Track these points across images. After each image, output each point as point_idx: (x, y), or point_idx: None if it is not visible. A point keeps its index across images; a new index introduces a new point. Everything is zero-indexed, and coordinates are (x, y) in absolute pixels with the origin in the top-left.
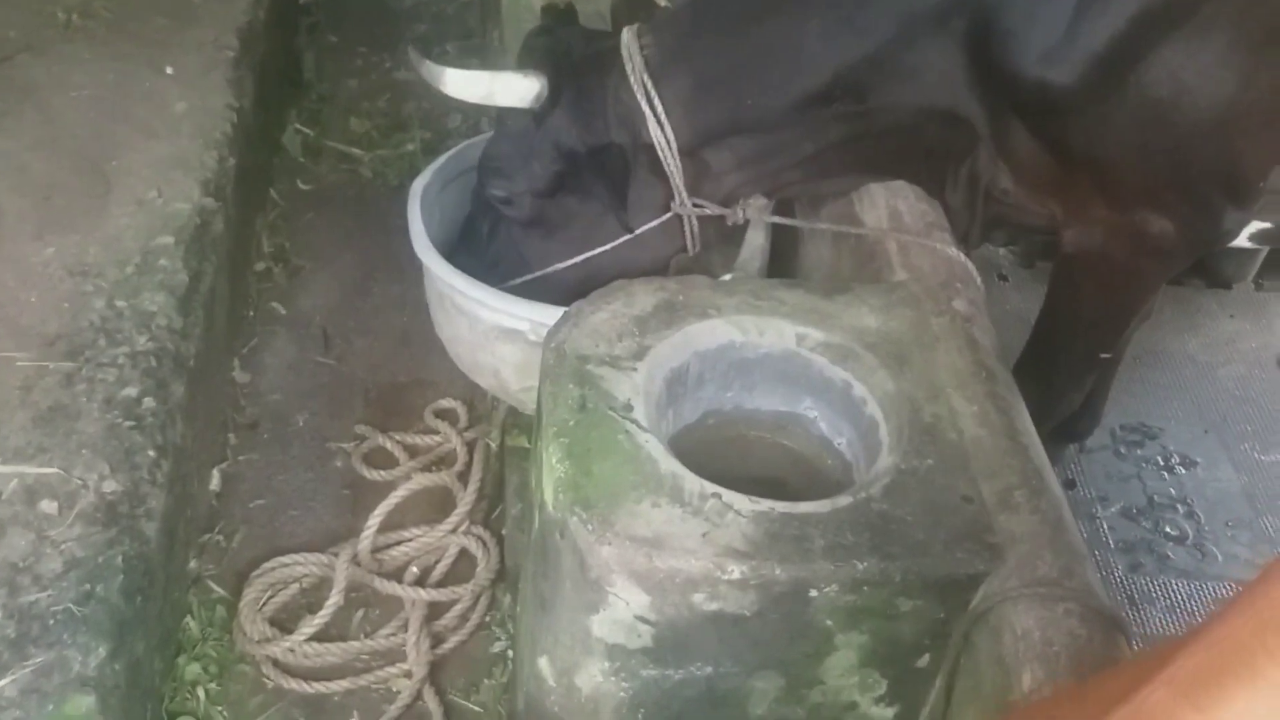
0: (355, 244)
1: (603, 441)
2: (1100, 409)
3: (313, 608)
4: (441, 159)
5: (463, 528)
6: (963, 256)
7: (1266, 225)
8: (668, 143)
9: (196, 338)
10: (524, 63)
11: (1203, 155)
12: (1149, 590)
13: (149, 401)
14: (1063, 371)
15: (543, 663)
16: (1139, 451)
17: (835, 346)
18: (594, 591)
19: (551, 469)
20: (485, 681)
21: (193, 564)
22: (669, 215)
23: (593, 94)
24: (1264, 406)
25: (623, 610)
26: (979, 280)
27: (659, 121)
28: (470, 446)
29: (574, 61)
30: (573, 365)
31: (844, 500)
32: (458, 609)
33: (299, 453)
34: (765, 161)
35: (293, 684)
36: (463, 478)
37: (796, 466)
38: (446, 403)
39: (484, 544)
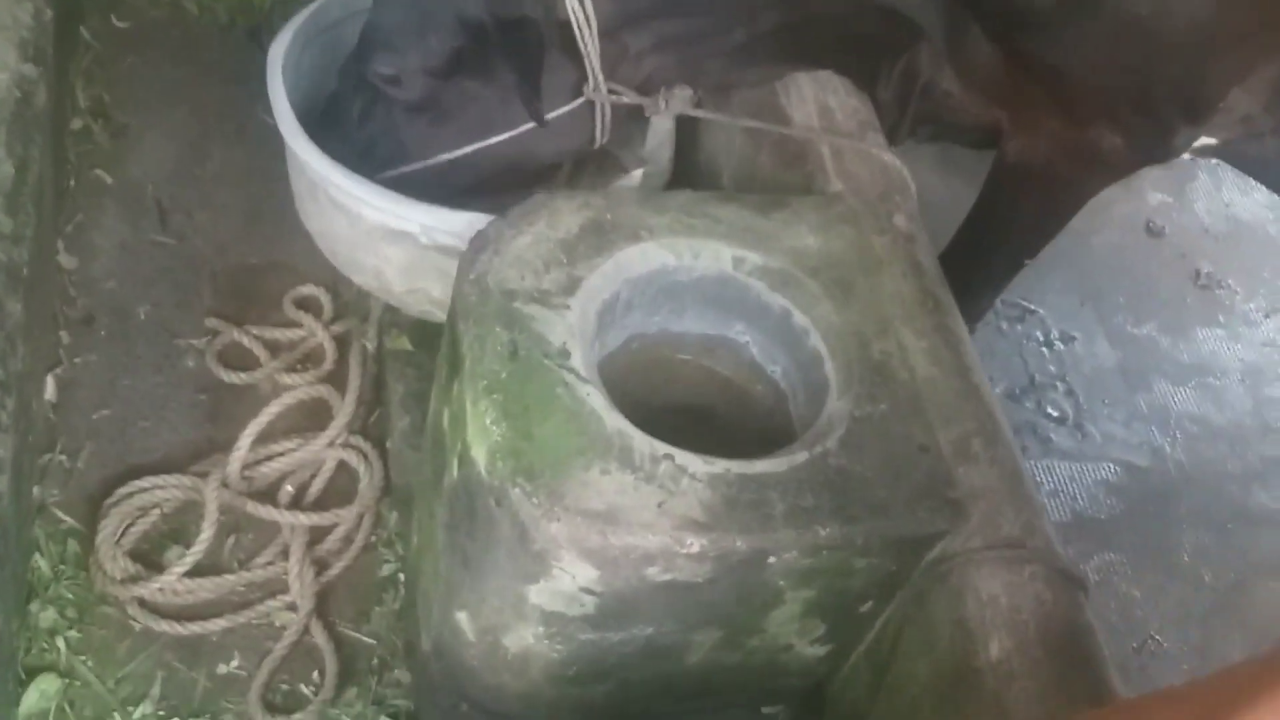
0: (186, 96)
1: (541, 397)
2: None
3: (177, 535)
4: (301, 16)
5: (340, 439)
6: (898, 162)
7: (1211, 141)
8: (586, 19)
9: (29, 240)
10: None
11: (1170, 73)
12: (1033, 475)
13: None
14: (985, 275)
15: (461, 617)
16: (1019, 328)
17: (774, 271)
18: (536, 564)
19: (485, 430)
20: (376, 609)
21: (35, 490)
22: (580, 101)
23: None
24: (1136, 276)
25: (567, 583)
26: (914, 188)
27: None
28: (339, 342)
29: None
30: (498, 303)
31: (800, 456)
32: (340, 530)
33: (144, 352)
34: (690, 46)
35: (164, 625)
36: (333, 379)
37: (724, 392)
38: (308, 289)
39: (365, 457)
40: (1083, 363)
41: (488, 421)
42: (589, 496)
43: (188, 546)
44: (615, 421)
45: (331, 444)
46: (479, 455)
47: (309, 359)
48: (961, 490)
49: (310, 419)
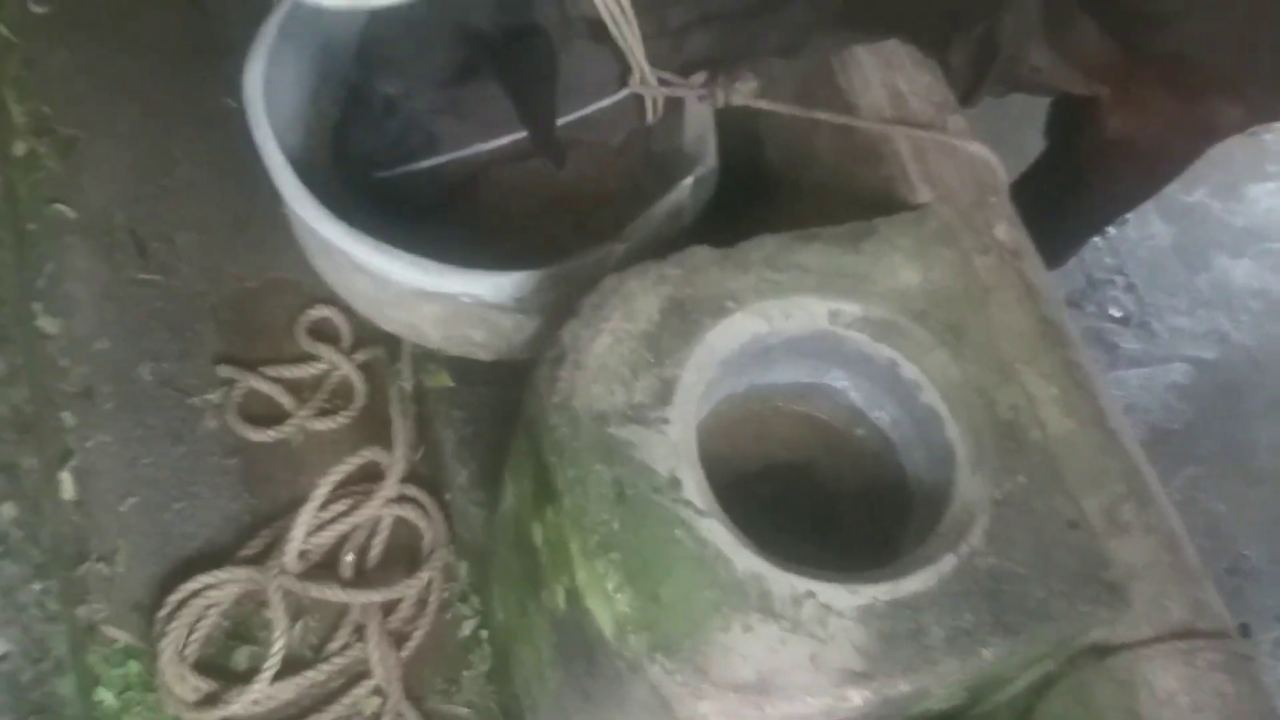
0: (134, 90)
1: (660, 546)
2: None
3: (240, 633)
4: (267, 34)
5: (394, 494)
6: (986, 152)
7: None
8: (621, 9)
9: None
10: None
11: None
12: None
13: None
14: (1076, 240)
15: None
16: None
17: (876, 322)
18: None
19: (608, 598)
20: (464, 674)
21: (79, 611)
22: (623, 94)
23: None
24: None
25: None
26: (1004, 176)
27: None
28: (365, 371)
29: None
30: (591, 433)
31: (947, 563)
32: (412, 593)
33: (157, 420)
34: (739, 20)
35: None
36: (367, 417)
37: (823, 440)
38: (319, 312)
39: (423, 509)
40: (1138, 247)
41: (610, 588)
42: (736, 664)
43: (254, 645)
44: (746, 562)
45: (386, 502)
46: (603, 621)
47: (336, 394)
48: (1119, 570)
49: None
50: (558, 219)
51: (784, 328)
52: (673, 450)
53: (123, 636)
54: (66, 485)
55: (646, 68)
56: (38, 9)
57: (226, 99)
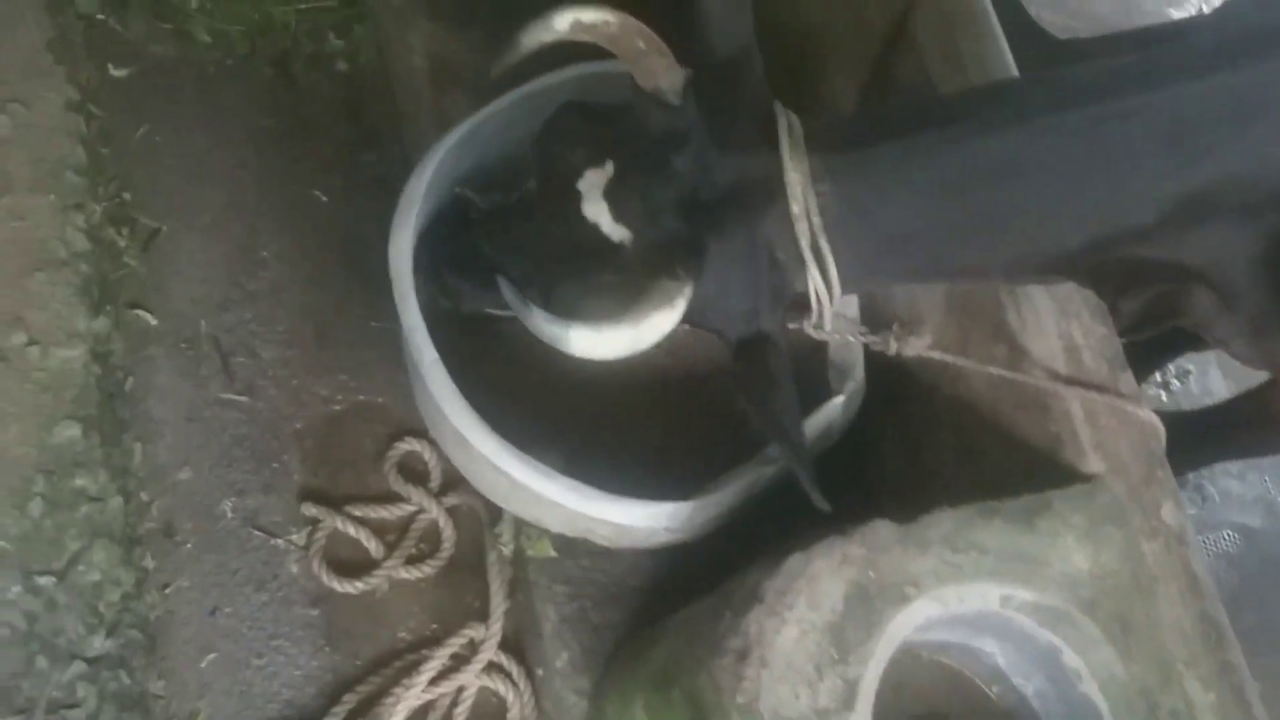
0: (217, 173)
1: None
2: None
3: None
4: (413, 196)
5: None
6: (1154, 419)
7: None
8: (829, 294)
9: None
10: (614, 201)
11: None
12: None
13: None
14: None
15: None
16: None
17: (1046, 609)
18: None
19: None
20: None
21: None
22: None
23: (736, 260)
24: None
25: None
26: (1164, 437)
27: (826, 283)
28: (453, 516)
29: (706, 211)
30: None
31: None
32: None
33: (239, 564)
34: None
35: None
36: (455, 568)
37: (957, 692)
38: (407, 445)
39: (511, 680)
40: (1199, 402)
41: None
42: None
43: None
44: None
45: (476, 674)
46: None
47: (423, 539)
48: None
49: (436, 612)
50: (666, 412)
51: (957, 610)
52: None
53: None
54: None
55: (830, 318)
56: (117, 72)
57: (318, 192)
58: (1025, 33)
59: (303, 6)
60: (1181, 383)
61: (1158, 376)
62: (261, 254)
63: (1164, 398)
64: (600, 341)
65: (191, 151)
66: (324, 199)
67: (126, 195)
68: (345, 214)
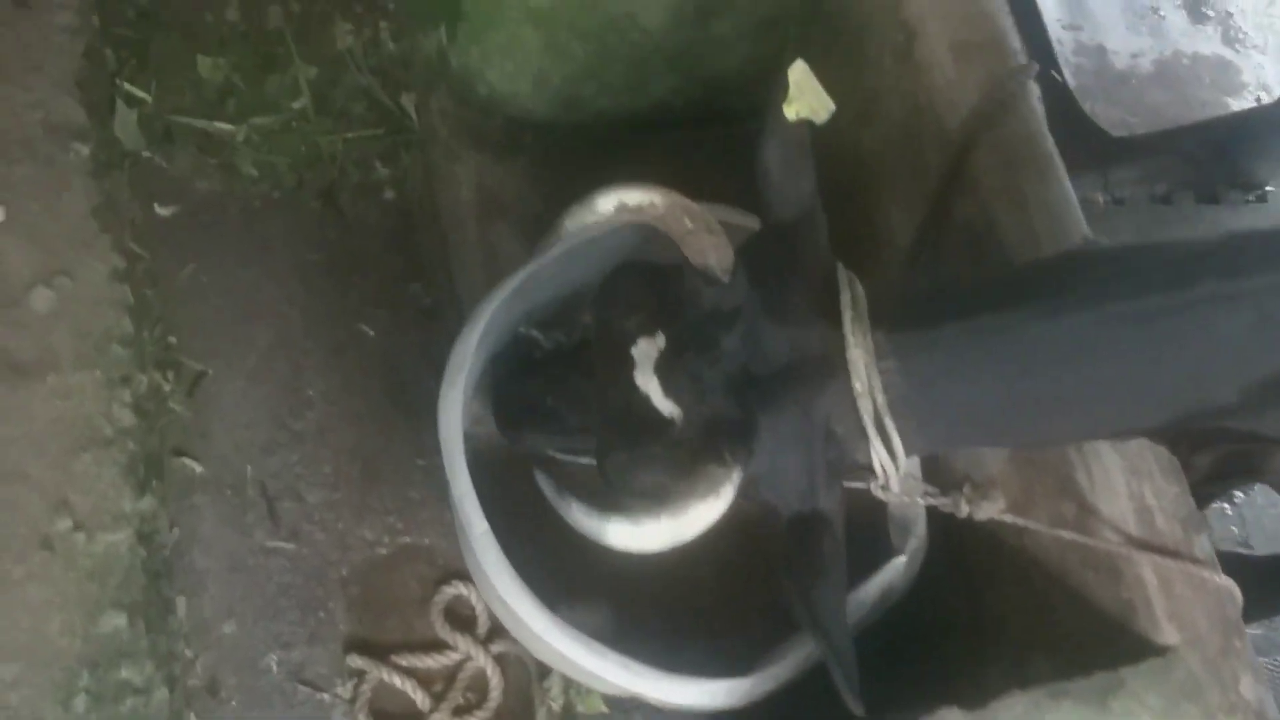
0: (263, 312)
1: None
2: None
3: None
4: (464, 353)
5: None
6: (1232, 586)
7: None
8: (895, 467)
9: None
10: (664, 376)
11: None
12: None
13: None
14: None
15: None
16: None
17: None
18: None
19: None
20: None
21: None
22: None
23: (790, 437)
24: None
25: None
26: (1240, 602)
27: (891, 455)
28: (500, 664)
29: (758, 386)
30: None
31: None
32: None
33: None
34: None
35: None
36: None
37: None
38: (453, 589)
39: None
40: (1263, 515)
41: None
42: None
43: None
44: None
45: None
46: None
47: (470, 688)
48: None
49: None
50: (721, 563)
51: None
52: None
53: None
54: None
55: (897, 484)
56: (163, 211)
57: (363, 326)
58: (1080, 129)
59: (350, 135)
60: (1245, 494)
61: (1222, 500)
62: (308, 393)
63: (1229, 511)
64: (639, 535)
65: (238, 289)
66: (370, 333)
67: (172, 339)
68: (391, 348)
